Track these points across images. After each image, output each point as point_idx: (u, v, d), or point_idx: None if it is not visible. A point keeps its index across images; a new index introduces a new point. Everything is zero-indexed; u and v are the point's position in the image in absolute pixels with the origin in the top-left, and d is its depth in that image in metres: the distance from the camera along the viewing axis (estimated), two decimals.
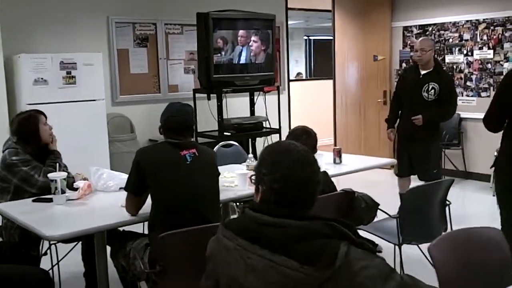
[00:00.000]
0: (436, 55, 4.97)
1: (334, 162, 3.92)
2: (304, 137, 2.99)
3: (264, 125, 5.87)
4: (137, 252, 2.67)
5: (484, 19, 6.24)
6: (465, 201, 5.73)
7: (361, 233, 1.42)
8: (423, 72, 4.60)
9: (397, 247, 3.17)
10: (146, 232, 2.83)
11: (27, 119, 3.30)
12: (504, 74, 5.38)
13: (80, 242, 3.32)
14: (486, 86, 6.30)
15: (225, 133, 5.47)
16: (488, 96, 6.18)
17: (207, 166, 2.73)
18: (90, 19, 5.62)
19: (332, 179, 3.10)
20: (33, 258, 3.15)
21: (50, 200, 2.97)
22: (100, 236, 2.74)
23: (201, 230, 2.41)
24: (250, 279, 1.38)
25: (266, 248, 1.36)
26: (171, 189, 2.58)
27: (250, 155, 3.83)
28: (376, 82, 7.26)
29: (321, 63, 10.13)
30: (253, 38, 5.69)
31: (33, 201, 3.04)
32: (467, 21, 6.39)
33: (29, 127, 3.26)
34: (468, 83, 6.46)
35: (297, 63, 10.58)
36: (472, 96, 6.43)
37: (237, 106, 6.17)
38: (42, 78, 4.87)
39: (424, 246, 2.92)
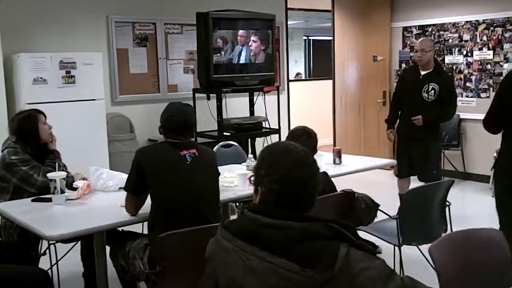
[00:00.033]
0: (435, 56, 4.97)
1: (334, 162, 3.92)
2: (304, 137, 2.98)
3: (264, 125, 5.87)
4: (137, 252, 2.67)
5: (484, 20, 6.24)
6: (464, 202, 5.73)
7: (361, 233, 1.43)
8: (423, 72, 4.60)
9: (397, 248, 3.17)
10: (145, 232, 2.83)
11: (27, 118, 3.29)
12: (503, 75, 5.39)
13: (79, 242, 3.32)
14: (486, 87, 6.30)
15: (224, 133, 5.47)
16: (488, 97, 6.19)
17: (207, 166, 2.72)
18: (90, 19, 5.62)
19: (332, 179, 3.09)
20: (32, 258, 3.15)
21: (49, 199, 2.96)
22: (100, 236, 2.74)
23: (201, 230, 2.41)
24: (249, 281, 1.38)
25: (265, 249, 1.35)
26: (171, 189, 2.58)
27: (250, 155, 3.83)
28: (375, 83, 7.26)
29: (321, 63, 10.13)
30: (252, 38, 5.69)
31: (32, 200, 3.04)
32: (467, 21, 6.39)
33: (28, 127, 3.26)
34: (468, 84, 6.46)
35: (296, 63, 10.58)
36: (471, 97, 6.43)
37: (236, 106, 6.17)
38: (41, 78, 4.87)
39: (424, 247, 2.93)
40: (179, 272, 2.46)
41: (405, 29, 6.98)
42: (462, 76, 6.50)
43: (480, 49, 6.30)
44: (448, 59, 6.60)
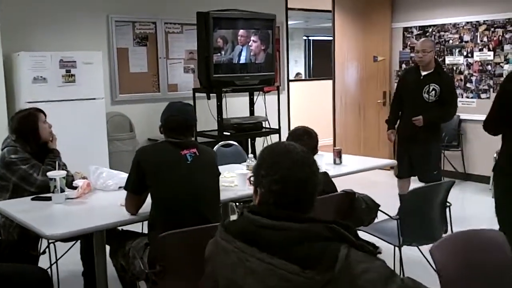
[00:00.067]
0: (436, 56, 4.97)
1: (334, 162, 3.92)
2: (305, 137, 2.98)
3: (264, 125, 5.87)
4: (137, 252, 2.67)
5: (484, 21, 6.24)
6: (464, 203, 5.73)
7: (361, 234, 1.42)
8: (423, 73, 4.59)
9: (397, 248, 3.17)
10: (145, 231, 2.83)
11: (27, 117, 3.29)
12: (504, 76, 5.39)
13: (79, 241, 3.31)
14: (486, 87, 6.30)
15: (224, 133, 5.47)
16: (488, 98, 6.19)
17: (208, 166, 2.72)
18: (90, 18, 5.61)
19: (332, 179, 3.09)
20: (31, 257, 3.15)
21: (49, 198, 2.96)
22: (99, 235, 2.74)
23: (201, 230, 2.41)
24: (249, 282, 1.37)
25: (265, 251, 1.35)
26: (171, 188, 2.57)
27: (251, 155, 3.82)
28: (376, 83, 7.26)
29: (321, 63, 10.13)
30: (253, 38, 5.69)
31: (32, 199, 3.03)
32: (468, 22, 6.39)
33: (28, 125, 3.25)
34: (468, 85, 6.46)
35: (296, 63, 10.59)
36: (472, 97, 6.43)
37: (236, 106, 6.17)
38: (41, 77, 4.86)
39: (425, 248, 2.93)
40: (179, 272, 2.46)
41: (406, 29, 6.98)
42: (462, 77, 6.49)
43: (481, 50, 6.30)
44: (448, 59, 6.60)
